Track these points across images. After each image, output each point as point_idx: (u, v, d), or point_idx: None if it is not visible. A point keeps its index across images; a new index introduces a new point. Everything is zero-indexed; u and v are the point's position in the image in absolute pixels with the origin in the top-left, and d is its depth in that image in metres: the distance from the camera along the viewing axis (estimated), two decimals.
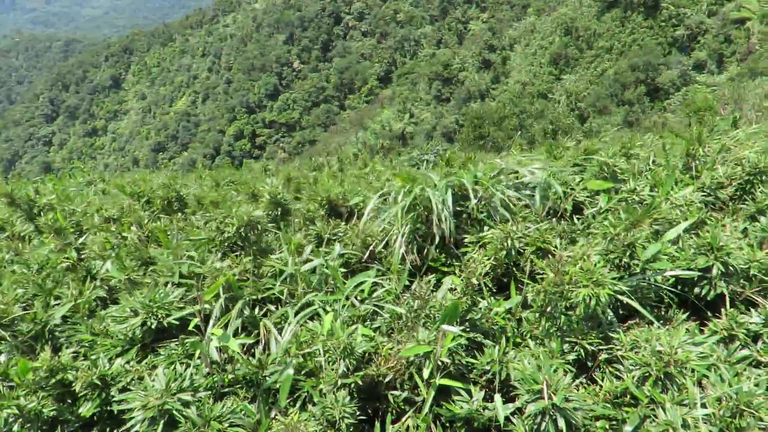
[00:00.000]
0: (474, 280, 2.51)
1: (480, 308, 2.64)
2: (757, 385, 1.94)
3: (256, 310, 2.80)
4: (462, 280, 2.59)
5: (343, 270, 2.97)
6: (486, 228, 2.96)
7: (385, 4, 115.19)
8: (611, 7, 57.49)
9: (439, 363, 2.23)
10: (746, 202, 2.99)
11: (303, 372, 2.42)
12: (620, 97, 48.49)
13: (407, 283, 2.82)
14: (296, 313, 2.70)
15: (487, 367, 2.21)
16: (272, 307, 2.89)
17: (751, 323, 2.19)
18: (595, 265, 2.41)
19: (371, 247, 3.10)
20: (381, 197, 3.37)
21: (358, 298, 2.80)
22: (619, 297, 2.37)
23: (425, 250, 3.02)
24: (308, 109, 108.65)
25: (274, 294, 2.92)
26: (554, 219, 3.07)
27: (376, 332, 2.57)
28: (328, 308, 2.73)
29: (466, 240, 2.98)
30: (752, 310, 2.28)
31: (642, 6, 52.80)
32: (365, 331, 2.51)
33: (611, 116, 46.04)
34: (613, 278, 2.38)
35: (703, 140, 3.53)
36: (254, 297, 2.86)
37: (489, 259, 2.80)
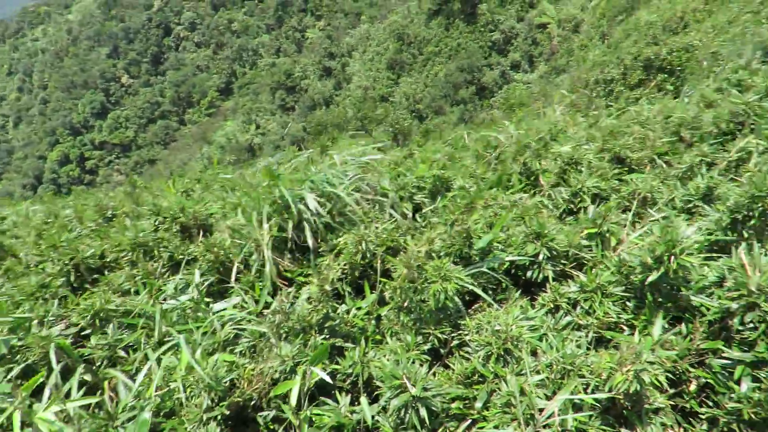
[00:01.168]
0: (327, 287, 2.56)
1: (339, 313, 2.71)
2: (579, 346, 2.25)
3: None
4: (317, 287, 2.63)
5: (208, 300, 2.85)
6: (340, 233, 3.04)
7: (217, 14, 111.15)
8: (436, 15, 61.92)
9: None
10: (562, 186, 3.43)
11: (163, 413, 2.28)
12: (454, 97, 52.51)
13: (271, 299, 2.79)
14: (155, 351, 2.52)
15: (350, 371, 2.27)
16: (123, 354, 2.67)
17: (570, 293, 2.53)
18: (441, 259, 2.61)
19: (234, 265, 3.01)
20: (237, 209, 3.27)
21: (220, 322, 2.70)
22: (465, 286, 2.59)
23: (287, 261, 3.01)
24: (144, 127, 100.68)
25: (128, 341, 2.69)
26: (399, 219, 3.25)
27: (239, 356, 2.51)
28: (188, 339, 2.59)
29: (320, 249, 3.03)
30: (570, 281, 2.64)
31: (462, 13, 57.68)
32: (226, 357, 2.44)
33: (447, 116, 49.57)
34: (458, 269, 2.59)
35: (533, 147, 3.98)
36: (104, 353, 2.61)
37: (343, 264, 2.88)
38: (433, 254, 2.68)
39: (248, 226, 3.00)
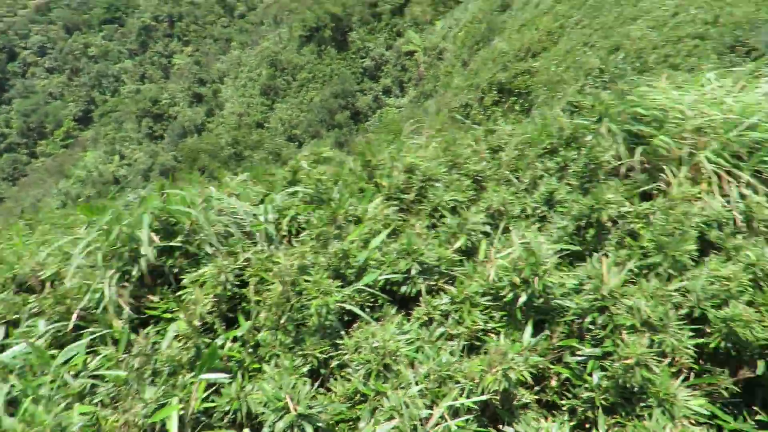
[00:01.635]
0: (196, 322, 2.43)
1: (212, 347, 2.57)
2: (452, 354, 2.35)
3: None
4: (185, 323, 2.48)
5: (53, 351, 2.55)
6: (203, 263, 2.90)
7: (72, 38, 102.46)
8: (308, 42, 62.67)
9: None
10: (424, 203, 3.59)
11: None
12: (330, 121, 53.18)
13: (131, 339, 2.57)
14: None
15: (227, 407, 2.17)
16: None
17: (442, 305, 2.64)
18: (320, 273, 2.60)
19: (78, 310, 2.73)
20: (83, 249, 2.98)
21: (71, 373, 2.44)
22: (343, 305, 2.60)
23: (143, 298, 2.80)
24: None
25: None
26: (274, 245, 3.18)
27: (98, 406, 2.27)
28: (35, 393, 2.30)
29: (184, 280, 2.87)
30: (442, 294, 2.75)
31: (333, 41, 58.98)
32: (84, 409, 2.20)
33: (324, 140, 50.02)
34: (337, 284, 2.60)
35: (394, 157, 4.12)
36: None
37: (210, 296, 2.75)
38: (309, 270, 2.66)
39: (97, 267, 2.77)
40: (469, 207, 3.26)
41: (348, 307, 2.58)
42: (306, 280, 2.57)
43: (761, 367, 2.30)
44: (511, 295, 2.46)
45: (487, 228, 3.07)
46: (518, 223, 3.31)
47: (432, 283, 2.85)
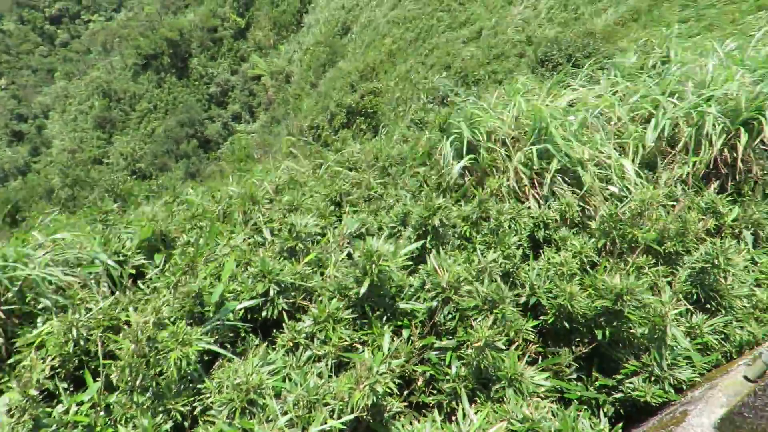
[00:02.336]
0: (32, 391, 2.15)
1: (54, 417, 2.29)
2: (320, 376, 2.35)
3: None
4: (19, 394, 2.17)
5: None
6: (40, 322, 2.58)
7: None
8: (144, 70, 58.91)
9: None
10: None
11: None
12: (177, 152, 50.30)
13: None
14: None
15: None
16: None
17: (305, 328, 2.62)
18: (176, 324, 2.44)
19: None
20: None
21: None
22: (203, 347, 2.46)
23: None
24: None
25: None
26: (118, 291, 2.93)
27: None
28: None
29: (17, 344, 2.53)
30: (304, 315, 2.74)
31: (173, 68, 56.17)
32: None
33: (173, 171, 47.23)
34: (195, 330, 2.45)
35: (256, 199, 4.03)
36: None
37: (52, 358, 2.45)
38: (164, 321, 2.48)
39: None
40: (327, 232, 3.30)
41: (208, 347, 2.45)
42: (162, 329, 2.40)
43: (599, 335, 2.63)
44: (355, 290, 2.54)
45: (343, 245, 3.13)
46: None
47: (291, 300, 2.83)
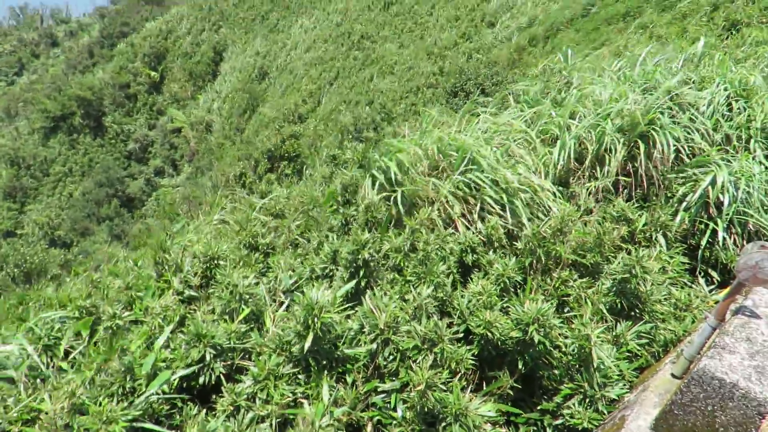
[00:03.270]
0: None
1: None
2: None
3: None
4: None
5: None
6: None
7: None
8: (54, 132, 56.17)
9: None
10: (212, 286, 3.46)
11: None
12: (98, 214, 47.85)
13: None
14: None
15: None
16: None
17: (246, 389, 2.54)
18: (100, 405, 2.29)
19: None
20: None
21: None
22: (134, 424, 2.32)
23: None
24: None
25: None
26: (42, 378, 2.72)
27: None
28: None
29: None
30: (243, 376, 2.65)
31: (87, 128, 53.93)
32: None
33: (96, 235, 44.80)
34: (121, 407, 2.32)
35: (167, 248, 3.90)
36: None
37: None
38: (84, 404, 2.33)
39: None
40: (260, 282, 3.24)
41: (140, 425, 2.32)
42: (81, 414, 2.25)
43: (520, 364, 2.70)
44: (298, 345, 2.50)
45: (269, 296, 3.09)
46: (308, 284, 3.40)
47: (229, 363, 2.74)
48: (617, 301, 3.09)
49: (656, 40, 11.61)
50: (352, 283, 2.93)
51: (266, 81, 38.13)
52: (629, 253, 3.39)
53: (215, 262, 3.55)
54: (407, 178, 4.17)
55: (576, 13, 17.96)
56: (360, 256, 2.94)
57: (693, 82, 5.86)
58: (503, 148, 4.73)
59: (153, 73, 51.41)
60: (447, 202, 3.90)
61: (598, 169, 4.71)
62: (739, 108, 5.17)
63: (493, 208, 4.08)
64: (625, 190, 4.65)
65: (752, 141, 4.80)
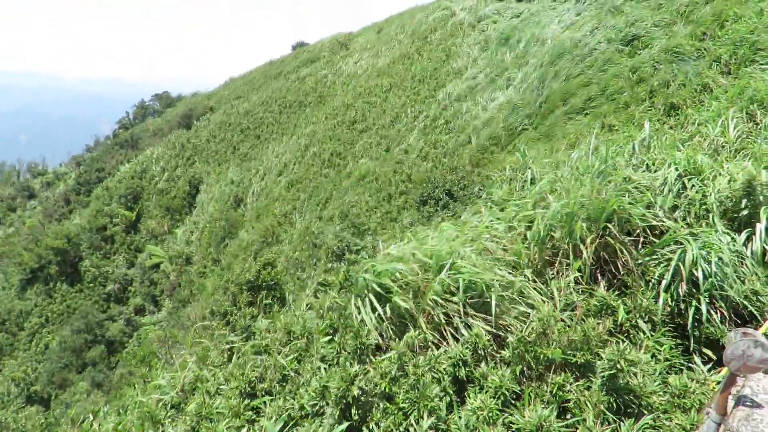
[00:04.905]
0: None
1: None
2: None
3: None
4: None
5: None
6: None
7: None
8: (31, 284, 55.28)
9: None
10: None
11: None
12: (78, 363, 45.77)
13: None
14: None
15: None
16: None
17: None
18: None
19: None
20: None
21: None
22: None
23: None
24: None
25: None
26: None
27: None
28: None
29: None
30: None
31: (63, 275, 53.32)
32: None
33: (76, 385, 42.56)
34: None
35: (157, 418, 3.72)
36: None
37: None
38: None
39: None
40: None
41: None
42: None
43: None
44: None
45: None
46: (300, 423, 3.24)
47: None
48: (611, 400, 2.99)
49: (608, 129, 12.39)
50: (343, 426, 2.80)
51: (241, 208, 38.88)
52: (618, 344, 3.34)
53: (203, 419, 3.39)
54: (396, 292, 4.15)
55: (532, 111, 19.19)
56: (349, 393, 2.84)
57: (646, 165, 6.19)
58: (478, 248, 4.80)
59: (129, 213, 52.16)
60: (432, 314, 3.87)
61: (571, 258, 4.77)
62: (693, 185, 5.42)
63: (478, 312, 4.05)
64: (604, 278, 4.69)
65: (710, 215, 4.98)
